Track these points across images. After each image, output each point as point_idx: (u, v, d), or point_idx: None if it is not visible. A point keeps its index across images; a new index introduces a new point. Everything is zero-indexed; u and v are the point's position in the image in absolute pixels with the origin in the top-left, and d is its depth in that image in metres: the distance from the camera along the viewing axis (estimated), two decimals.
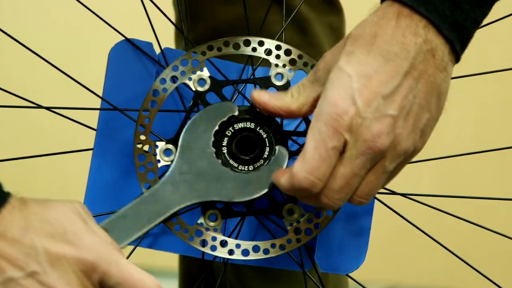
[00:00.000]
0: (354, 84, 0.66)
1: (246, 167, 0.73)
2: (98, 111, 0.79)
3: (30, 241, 0.64)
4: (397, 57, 0.66)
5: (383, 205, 0.82)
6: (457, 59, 0.68)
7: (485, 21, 0.70)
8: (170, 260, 1.17)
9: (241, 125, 0.74)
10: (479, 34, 0.70)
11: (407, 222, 0.81)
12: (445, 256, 0.84)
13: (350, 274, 0.84)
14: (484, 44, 2.25)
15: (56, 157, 0.78)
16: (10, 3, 2.50)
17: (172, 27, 0.80)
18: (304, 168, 0.67)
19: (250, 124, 0.74)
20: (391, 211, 0.81)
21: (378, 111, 0.66)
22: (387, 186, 0.82)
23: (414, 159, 0.71)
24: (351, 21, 1.02)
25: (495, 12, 0.74)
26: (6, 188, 0.65)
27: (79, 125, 0.83)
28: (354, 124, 0.66)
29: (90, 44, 2.45)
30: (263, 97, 0.71)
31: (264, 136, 0.74)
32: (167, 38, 0.92)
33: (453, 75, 0.71)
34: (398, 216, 0.81)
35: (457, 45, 0.67)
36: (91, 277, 0.65)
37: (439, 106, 0.68)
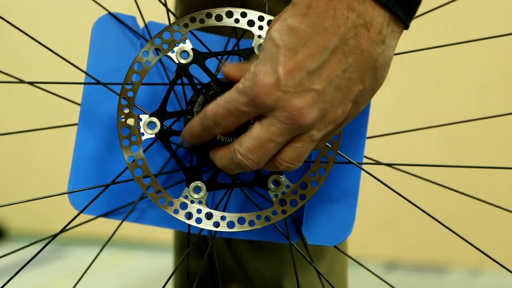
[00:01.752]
0: (280, 57, 0.66)
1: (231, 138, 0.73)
2: (82, 86, 0.79)
3: None
4: (327, 32, 0.65)
5: (381, 181, 0.81)
6: (405, 26, 0.67)
7: None
8: (165, 233, 1.18)
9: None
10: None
11: (406, 197, 0.80)
12: (442, 231, 0.84)
13: (338, 246, 0.84)
14: (486, 11, 2.24)
15: (42, 132, 0.78)
16: None
17: (157, 1, 0.79)
18: (213, 108, 0.68)
19: None
20: (390, 186, 0.81)
21: (301, 85, 0.65)
22: (374, 157, 0.82)
23: (418, 126, 0.70)
24: None
25: None
26: None
27: (64, 100, 0.83)
28: (272, 95, 0.66)
29: (74, 19, 2.44)
30: (230, 70, 0.71)
31: None
32: (152, 12, 0.92)
33: (458, 41, 0.69)
34: (397, 191, 0.81)
35: (399, 11, 0.66)
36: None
37: (376, 78, 0.67)
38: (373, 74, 0.67)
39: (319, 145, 0.71)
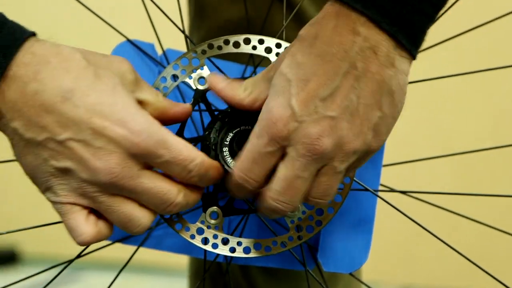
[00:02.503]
0: (292, 89, 0.66)
1: None
2: None
3: (74, 109, 0.65)
4: (335, 57, 0.65)
5: (397, 209, 0.81)
6: (410, 54, 0.67)
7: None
8: (180, 258, 1.18)
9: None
10: (497, 30, 0.69)
11: (421, 224, 0.80)
12: (456, 257, 0.84)
13: (354, 274, 0.84)
14: (502, 39, 2.24)
15: None
16: (14, 7, 2.51)
17: (176, 28, 0.80)
18: (238, 166, 0.69)
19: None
20: (406, 213, 0.81)
21: (316, 113, 0.65)
22: (389, 184, 0.82)
23: (433, 155, 0.70)
24: None
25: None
26: None
27: None
28: (290, 129, 0.66)
29: (93, 45, 2.45)
30: (219, 83, 0.71)
31: None
32: (170, 38, 0.92)
33: (474, 69, 0.69)
34: (412, 218, 0.81)
35: (403, 39, 0.65)
36: (137, 158, 0.66)
37: (394, 103, 0.67)
38: (391, 99, 0.67)
39: (348, 175, 0.71)
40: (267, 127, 0.66)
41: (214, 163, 0.71)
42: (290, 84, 0.66)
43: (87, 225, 0.67)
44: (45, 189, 0.68)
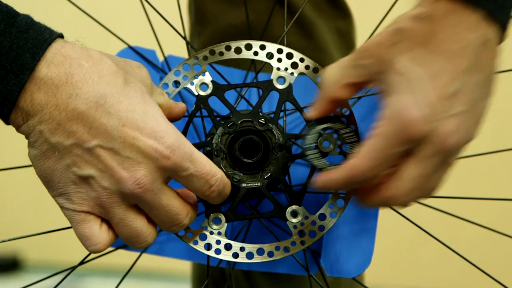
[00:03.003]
0: (421, 88, 0.65)
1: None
2: None
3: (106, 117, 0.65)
4: (458, 56, 0.66)
5: (399, 213, 0.81)
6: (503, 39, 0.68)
7: None
8: (182, 264, 1.18)
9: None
10: None
11: (423, 228, 0.80)
12: (459, 260, 0.84)
13: (357, 279, 0.84)
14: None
15: None
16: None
17: (177, 34, 0.80)
18: (365, 164, 0.67)
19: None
20: (408, 217, 0.81)
21: (447, 111, 0.66)
22: None
23: None
24: (360, 25, 1.02)
25: None
26: None
27: None
28: (424, 130, 0.65)
29: None
30: (311, 112, 0.72)
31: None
32: (171, 45, 0.92)
33: None
34: (415, 222, 0.81)
35: (505, 27, 0.67)
36: (164, 171, 0.66)
37: (493, 89, 0.69)
38: (492, 86, 0.68)
39: None
40: (400, 128, 0.65)
41: (228, 180, 0.71)
42: (416, 83, 0.66)
43: (102, 235, 0.67)
44: (58, 194, 0.67)
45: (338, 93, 0.70)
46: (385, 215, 0.92)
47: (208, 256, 0.76)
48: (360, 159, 0.67)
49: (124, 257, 0.99)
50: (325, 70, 0.70)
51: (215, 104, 0.76)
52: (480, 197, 0.86)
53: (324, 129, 0.72)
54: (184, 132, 0.74)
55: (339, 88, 0.70)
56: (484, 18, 0.66)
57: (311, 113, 0.72)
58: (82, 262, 0.78)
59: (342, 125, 0.73)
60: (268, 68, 0.82)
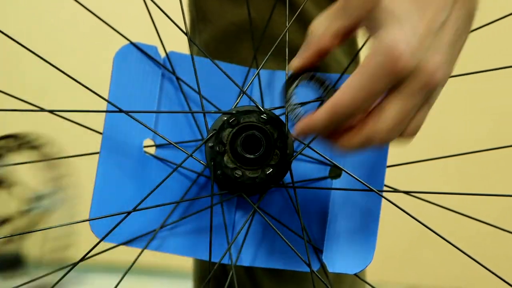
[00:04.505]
0: (408, 22, 0.65)
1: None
2: (104, 114, 0.80)
3: None
4: None
5: (402, 209, 0.81)
6: None
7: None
8: (185, 260, 1.18)
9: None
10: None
11: (425, 224, 0.80)
12: (462, 257, 0.84)
13: (357, 274, 0.84)
14: (502, 41, 2.24)
15: (64, 160, 0.79)
16: (14, 7, 2.52)
17: (178, 31, 0.80)
18: (349, 98, 0.65)
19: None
20: (410, 213, 0.81)
21: (433, 46, 0.65)
22: (394, 185, 0.82)
23: (436, 155, 0.70)
24: None
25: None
26: None
27: (87, 128, 0.84)
28: (411, 63, 0.64)
29: (96, 48, 2.46)
30: (294, 63, 0.70)
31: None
32: (173, 41, 0.92)
33: (473, 70, 0.69)
34: (417, 218, 0.81)
35: None
36: None
37: (472, 24, 0.68)
38: (472, 20, 0.68)
39: None
40: (388, 62, 0.64)
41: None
42: (404, 16, 0.65)
43: None
44: None
45: (327, 42, 0.69)
46: (388, 211, 0.92)
47: (210, 252, 0.76)
48: (344, 93, 0.66)
49: (127, 253, 0.99)
50: (313, 22, 0.69)
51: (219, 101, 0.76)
52: (484, 193, 0.86)
53: (306, 79, 0.70)
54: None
55: (328, 37, 0.68)
56: None
57: (294, 63, 0.70)
58: (83, 258, 0.78)
59: (323, 78, 0.71)
60: (270, 65, 0.82)
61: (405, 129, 0.68)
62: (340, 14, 0.68)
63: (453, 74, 0.84)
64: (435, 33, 0.66)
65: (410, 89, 0.66)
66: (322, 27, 0.68)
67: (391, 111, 0.66)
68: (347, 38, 0.69)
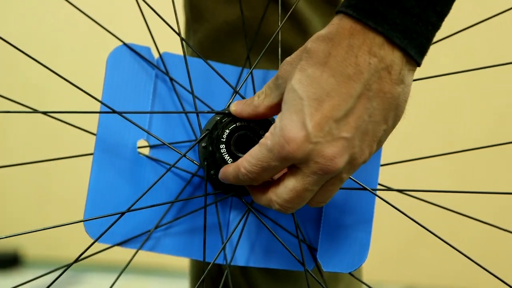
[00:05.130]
0: (305, 109, 0.66)
1: None
2: (98, 115, 0.80)
3: None
4: (350, 80, 0.65)
5: (395, 207, 0.81)
6: (417, 64, 0.67)
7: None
8: (181, 260, 1.18)
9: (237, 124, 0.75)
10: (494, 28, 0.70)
11: (420, 223, 0.81)
12: (458, 256, 0.84)
13: (353, 273, 0.84)
14: (502, 36, 2.24)
15: (59, 161, 0.79)
16: (13, 7, 2.51)
17: (172, 32, 0.80)
18: (248, 167, 0.69)
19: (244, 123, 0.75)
20: (404, 212, 0.81)
21: (330, 134, 0.66)
22: (389, 184, 0.82)
23: (433, 153, 0.70)
24: None
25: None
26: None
27: (81, 130, 0.84)
28: (305, 150, 0.66)
29: (89, 50, 2.46)
30: (237, 107, 0.73)
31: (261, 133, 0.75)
32: (166, 42, 0.92)
33: (473, 67, 0.69)
34: (411, 217, 0.81)
35: (412, 51, 0.66)
36: None
37: (397, 115, 0.68)
38: (396, 113, 0.68)
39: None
40: (280, 145, 0.67)
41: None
42: (302, 102, 0.66)
43: None
44: None
45: (263, 111, 0.72)
46: (384, 211, 0.92)
47: (204, 252, 0.76)
48: (244, 160, 0.70)
49: (125, 252, 0.99)
50: (255, 96, 0.72)
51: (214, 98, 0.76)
52: (481, 191, 0.86)
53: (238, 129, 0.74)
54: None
55: (263, 108, 0.71)
56: (385, 43, 0.65)
57: (234, 107, 0.73)
58: (77, 260, 0.78)
59: (257, 126, 0.74)
60: (264, 64, 0.82)
61: (313, 198, 0.70)
62: (272, 89, 0.70)
63: (448, 72, 0.84)
64: (335, 123, 0.66)
65: (305, 171, 0.68)
66: (263, 96, 0.71)
67: (286, 187, 0.69)
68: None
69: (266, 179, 0.70)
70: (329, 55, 0.66)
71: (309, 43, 0.67)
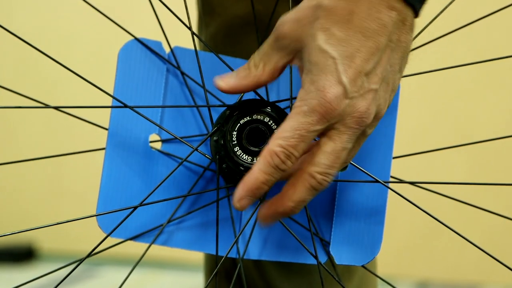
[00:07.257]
0: (339, 67, 0.68)
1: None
2: (109, 110, 0.80)
3: None
4: (376, 34, 0.69)
5: (407, 199, 0.81)
6: (417, 15, 0.71)
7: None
8: (194, 253, 1.18)
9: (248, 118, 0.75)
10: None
11: (433, 216, 0.80)
12: (473, 250, 0.84)
13: (367, 267, 0.84)
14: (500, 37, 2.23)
15: (73, 155, 0.79)
16: (21, 3, 2.52)
17: (183, 26, 0.80)
18: (283, 142, 0.69)
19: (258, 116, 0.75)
20: (418, 205, 0.81)
21: (363, 88, 0.69)
22: (402, 177, 0.82)
23: (447, 145, 0.71)
24: None
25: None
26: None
27: (93, 125, 0.84)
28: (343, 106, 0.68)
29: (101, 44, 2.46)
30: (229, 82, 0.73)
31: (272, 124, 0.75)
32: (178, 37, 0.92)
33: (489, 57, 0.69)
34: (425, 210, 0.81)
35: (415, 2, 0.70)
36: None
37: (406, 63, 0.72)
38: (406, 60, 0.72)
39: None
40: (320, 106, 0.68)
41: None
42: (336, 61, 0.68)
43: None
44: None
45: (267, 77, 0.72)
46: (399, 204, 0.92)
47: (217, 246, 0.76)
48: (277, 140, 0.70)
49: (138, 245, 0.99)
50: (250, 64, 0.72)
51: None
52: (494, 183, 0.86)
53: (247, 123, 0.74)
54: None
55: (267, 73, 0.72)
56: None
57: (230, 82, 0.73)
58: (89, 254, 0.78)
59: (264, 114, 0.74)
60: None
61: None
62: (274, 51, 0.71)
63: (462, 63, 0.84)
64: (366, 76, 0.69)
65: (339, 130, 0.69)
66: (262, 62, 0.72)
67: (324, 152, 0.70)
68: (283, 70, 0.73)
69: (302, 152, 0.70)
70: (352, 12, 0.68)
71: (324, 1, 0.69)
